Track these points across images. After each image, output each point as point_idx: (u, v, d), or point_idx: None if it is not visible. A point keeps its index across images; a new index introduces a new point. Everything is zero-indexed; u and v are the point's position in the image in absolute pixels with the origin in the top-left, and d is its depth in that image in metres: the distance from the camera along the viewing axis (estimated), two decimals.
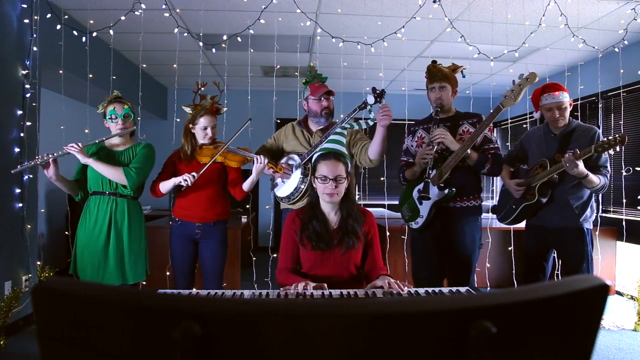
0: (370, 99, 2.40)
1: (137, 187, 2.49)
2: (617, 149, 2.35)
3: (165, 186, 2.56)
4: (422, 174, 2.50)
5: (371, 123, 2.36)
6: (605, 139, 2.40)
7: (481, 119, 2.49)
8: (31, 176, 3.20)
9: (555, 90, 2.62)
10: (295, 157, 2.60)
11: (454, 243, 2.47)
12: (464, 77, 2.60)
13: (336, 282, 1.86)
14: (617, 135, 2.35)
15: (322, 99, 2.58)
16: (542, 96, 2.66)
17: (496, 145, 2.53)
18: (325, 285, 1.71)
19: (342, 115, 2.56)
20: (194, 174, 2.45)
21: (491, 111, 2.40)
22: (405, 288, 1.71)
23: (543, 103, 2.65)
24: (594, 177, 2.46)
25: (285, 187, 2.60)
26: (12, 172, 2.48)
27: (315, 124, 2.66)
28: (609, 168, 2.57)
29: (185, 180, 2.44)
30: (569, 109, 2.63)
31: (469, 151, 2.37)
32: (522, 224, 2.87)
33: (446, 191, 2.40)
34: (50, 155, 2.32)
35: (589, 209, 2.62)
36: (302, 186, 2.51)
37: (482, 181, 2.69)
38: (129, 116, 2.48)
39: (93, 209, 2.43)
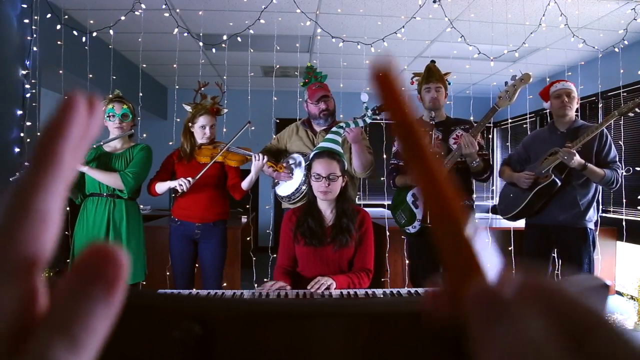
0: (364, 97, 2.30)
1: (135, 190, 2.49)
2: (638, 110, 2.40)
3: (160, 187, 2.58)
4: None
5: (368, 121, 2.34)
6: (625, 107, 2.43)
7: (472, 125, 2.50)
8: None
9: (564, 80, 2.67)
10: (296, 156, 2.60)
11: None
12: (449, 84, 2.61)
13: None
14: (636, 99, 2.38)
15: (320, 102, 2.56)
16: (551, 87, 2.68)
17: (487, 152, 2.58)
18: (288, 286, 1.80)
19: (341, 116, 2.55)
20: (189, 179, 2.46)
21: (487, 112, 2.40)
22: (333, 286, 1.75)
23: (552, 91, 2.66)
24: (595, 168, 2.46)
25: (287, 186, 2.59)
26: (10, 179, 2.48)
27: (317, 124, 2.66)
28: (619, 163, 2.57)
29: (181, 185, 2.46)
30: (576, 101, 2.65)
31: (478, 160, 2.36)
32: (522, 223, 2.84)
33: None
34: None
35: (592, 209, 2.61)
36: (304, 187, 2.50)
37: (476, 182, 2.70)
38: (126, 116, 2.48)
39: (91, 210, 2.43)
